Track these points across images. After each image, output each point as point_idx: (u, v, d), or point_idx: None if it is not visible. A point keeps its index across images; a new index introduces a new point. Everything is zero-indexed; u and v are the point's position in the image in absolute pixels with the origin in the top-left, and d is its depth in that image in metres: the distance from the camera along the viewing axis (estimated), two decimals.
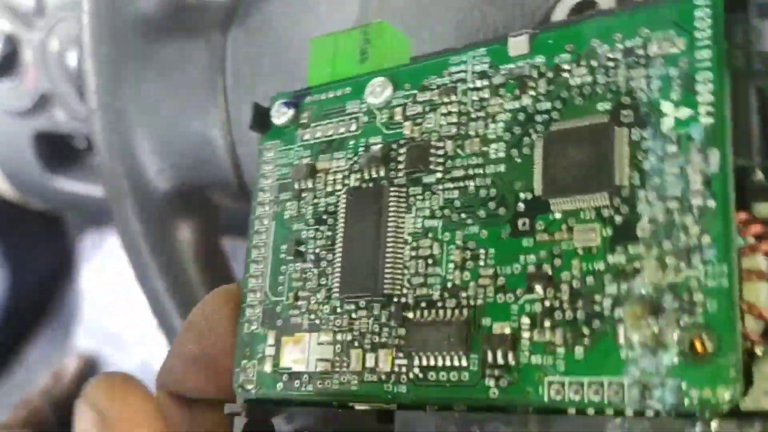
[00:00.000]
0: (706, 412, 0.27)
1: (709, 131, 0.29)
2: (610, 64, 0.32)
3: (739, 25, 0.31)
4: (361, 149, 0.38)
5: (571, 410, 0.29)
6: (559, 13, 0.44)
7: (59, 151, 0.89)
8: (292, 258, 0.39)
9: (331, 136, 0.39)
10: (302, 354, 0.37)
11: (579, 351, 0.30)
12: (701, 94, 0.30)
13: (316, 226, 0.38)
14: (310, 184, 0.39)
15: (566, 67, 0.33)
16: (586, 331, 0.30)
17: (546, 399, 0.30)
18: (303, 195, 0.39)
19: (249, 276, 0.40)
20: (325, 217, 0.38)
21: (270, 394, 0.37)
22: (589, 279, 0.30)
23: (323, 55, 0.41)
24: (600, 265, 0.30)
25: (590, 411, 0.29)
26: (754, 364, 0.28)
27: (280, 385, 0.37)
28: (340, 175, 0.38)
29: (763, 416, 0.27)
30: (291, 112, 0.41)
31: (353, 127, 0.39)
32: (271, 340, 0.38)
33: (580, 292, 0.30)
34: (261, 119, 0.42)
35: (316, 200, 0.39)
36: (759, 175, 0.30)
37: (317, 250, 0.38)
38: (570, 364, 0.30)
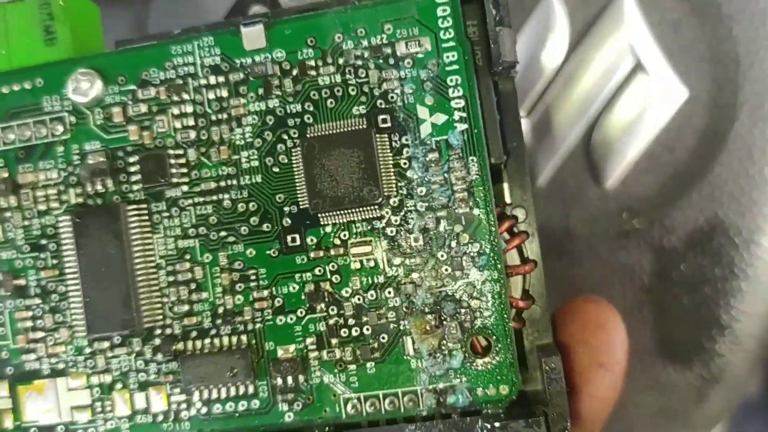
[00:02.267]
0: (492, 408, 0.30)
1: (467, 138, 0.30)
2: (359, 62, 0.31)
3: (475, 19, 0.31)
4: (75, 158, 0.32)
5: (368, 423, 0.31)
6: None
7: None
8: (9, 294, 0.33)
9: (29, 140, 0.33)
10: (50, 404, 0.32)
11: (370, 366, 0.30)
12: (454, 99, 0.30)
13: (34, 254, 0.33)
14: (13, 202, 0.33)
15: (311, 64, 0.31)
16: (375, 345, 0.30)
17: (344, 416, 0.31)
18: (6, 216, 0.33)
19: None
20: (44, 242, 0.32)
21: None
22: (371, 294, 0.30)
23: None
24: (379, 279, 0.30)
25: (382, 422, 0.31)
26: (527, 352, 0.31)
27: None
28: (53, 190, 0.32)
29: (529, 397, 0.30)
30: None
31: (59, 130, 0.32)
32: (3, 392, 0.33)
33: (364, 308, 0.30)
34: None
35: (26, 222, 0.33)
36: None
37: (43, 282, 0.32)
38: (363, 379, 0.30)
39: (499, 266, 0.30)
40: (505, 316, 0.30)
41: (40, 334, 0.32)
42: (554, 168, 0.43)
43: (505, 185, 0.33)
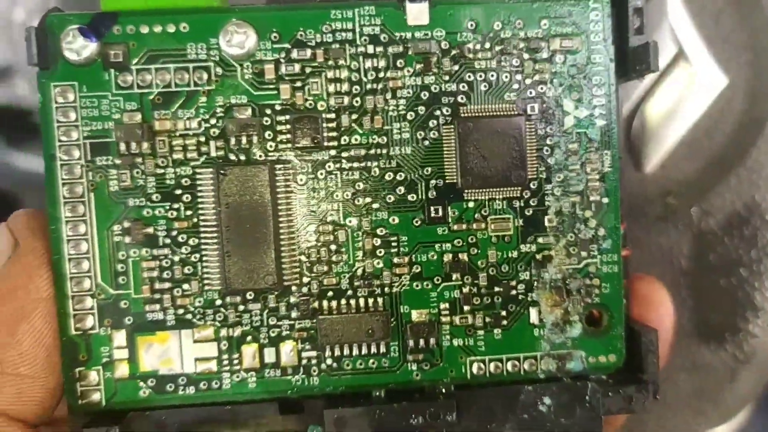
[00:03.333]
0: (601, 374, 0.34)
1: (604, 132, 0.33)
2: (515, 51, 0.33)
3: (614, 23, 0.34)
4: (219, 110, 0.32)
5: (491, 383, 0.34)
6: None
7: (19, 126, 0.67)
8: (135, 242, 0.32)
9: (168, 86, 0.32)
10: (173, 354, 0.32)
11: (497, 332, 0.33)
12: (597, 96, 0.33)
13: (165, 203, 0.32)
14: (146, 149, 0.32)
15: (471, 47, 0.33)
16: (503, 313, 0.33)
17: (469, 377, 0.33)
18: (137, 162, 0.32)
19: (62, 259, 0.32)
20: (178, 192, 0.32)
21: (130, 401, 0.32)
22: (505, 267, 0.33)
23: None
24: (514, 254, 0.33)
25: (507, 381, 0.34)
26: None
27: (144, 392, 0.32)
28: (192, 140, 0.32)
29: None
30: (93, 45, 0.31)
31: (203, 79, 0.32)
32: (119, 341, 0.32)
33: (497, 279, 0.33)
34: (45, 49, 0.31)
35: (158, 170, 0.32)
36: None
37: (174, 233, 0.32)
38: (490, 344, 0.33)
39: (619, 250, 0.33)
40: (621, 294, 0.34)
41: (167, 285, 0.32)
42: None
43: None
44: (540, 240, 0.33)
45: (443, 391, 0.33)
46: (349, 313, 0.32)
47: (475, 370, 0.33)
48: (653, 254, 0.44)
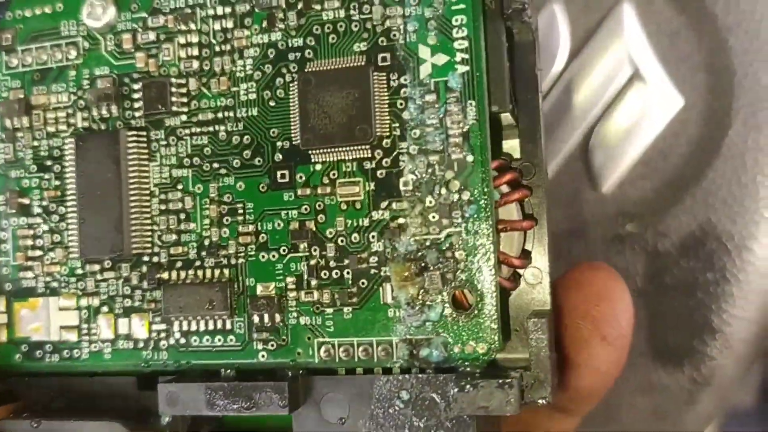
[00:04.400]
0: (468, 366, 0.28)
1: (467, 81, 0.28)
2: None
3: None
4: (85, 82, 0.33)
5: (341, 371, 0.30)
6: None
7: None
8: (14, 212, 0.33)
9: (45, 63, 0.33)
10: (41, 322, 0.33)
11: (347, 311, 0.29)
12: (457, 39, 0.29)
13: (40, 174, 0.33)
14: (26, 123, 0.33)
15: None
16: (353, 290, 0.29)
17: (317, 361, 0.29)
18: (18, 136, 0.33)
19: None
20: (49, 163, 0.33)
21: (7, 365, 0.33)
22: (354, 236, 0.29)
23: None
24: (365, 222, 0.29)
25: (359, 371, 0.29)
26: (511, 317, 0.29)
27: (18, 356, 0.33)
28: (62, 113, 0.33)
29: (514, 365, 0.28)
30: None
31: (72, 54, 0.33)
32: (0, 306, 0.33)
33: (347, 250, 0.29)
34: None
35: (35, 143, 0.33)
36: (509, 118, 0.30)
37: (45, 203, 0.33)
38: (339, 324, 0.29)
39: (489, 218, 0.28)
40: (492, 271, 0.28)
41: (38, 253, 0.33)
42: (552, 171, 0.44)
43: (515, 141, 0.31)
44: (394, 206, 0.29)
45: (290, 375, 0.30)
46: (192, 284, 0.31)
47: (323, 353, 0.29)
48: None
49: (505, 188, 0.30)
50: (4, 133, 0.34)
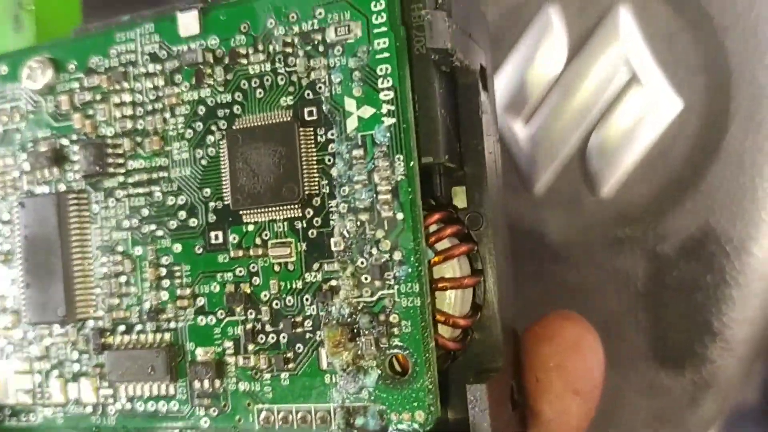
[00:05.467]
0: None
1: (393, 133, 0.27)
2: (288, 50, 0.28)
3: (421, 2, 0.28)
4: (29, 145, 0.32)
5: None
6: None
7: None
8: None
9: None
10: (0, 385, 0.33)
11: (285, 377, 0.28)
12: (383, 90, 0.27)
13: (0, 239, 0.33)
14: None
15: (243, 51, 0.29)
16: (289, 355, 0.28)
17: (257, 427, 0.29)
18: None
19: None
20: (0, 227, 0.33)
21: None
22: (289, 299, 0.28)
23: None
24: (298, 284, 0.28)
25: None
26: (453, 374, 0.28)
27: None
28: (9, 177, 0.33)
29: (464, 425, 0.27)
30: None
31: (17, 118, 0.33)
32: None
33: (281, 314, 0.28)
34: None
35: None
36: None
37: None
38: (277, 390, 0.28)
39: (421, 278, 0.26)
40: (426, 334, 0.26)
41: None
42: (551, 176, 0.43)
43: (460, 189, 0.29)
44: (326, 267, 0.28)
45: None
46: (135, 349, 0.30)
47: (262, 420, 0.29)
48: (610, 277, 0.43)
49: (447, 243, 0.28)
50: None
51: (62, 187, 0.32)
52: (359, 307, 0.27)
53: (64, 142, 0.32)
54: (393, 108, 0.27)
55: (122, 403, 0.31)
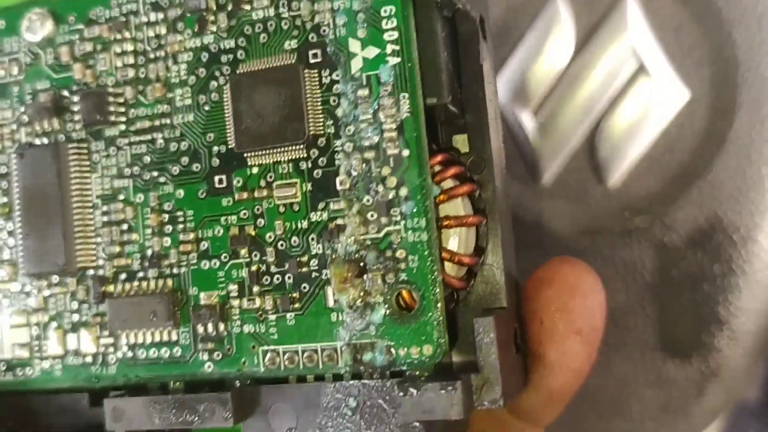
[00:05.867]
0: (415, 370, 0.27)
1: (398, 73, 0.27)
2: None
3: None
4: (28, 97, 0.32)
5: (290, 379, 0.29)
6: None
7: None
8: None
9: None
10: None
11: (290, 317, 0.28)
12: (387, 31, 0.28)
13: None
14: None
15: None
16: (295, 295, 0.28)
17: (262, 369, 0.29)
18: None
19: None
20: None
21: None
22: (294, 239, 0.28)
23: None
24: (303, 224, 0.28)
25: (309, 378, 0.28)
26: (459, 314, 0.28)
27: None
28: (7, 129, 0.33)
29: (469, 368, 0.27)
30: None
31: (15, 71, 0.33)
32: None
33: (287, 254, 0.29)
34: None
35: None
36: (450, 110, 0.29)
37: None
38: (283, 331, 0.28)
39: (427, 213, 0.27)
40: (434, 269, 0.27)
41: None
42: (559, 167, 0.44)
43: (461, 137, 0.30)
44: (332, 206, 0.28)
45: (237, 385, 0.29)
46: (137, 296, 0.30)
47: (267, 361, 0.29)
48: (617, 268, 0.43)
49: (450, 183, 0.29)
50: None
51: (61, 138, 0.32)
52: (366, 244, 0.27)
53: (65, 93, 0.32)
54: (397, 48, 0.27)
55: (123, 351, 0.30)
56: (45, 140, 0.32)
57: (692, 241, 0.42)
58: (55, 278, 0.31)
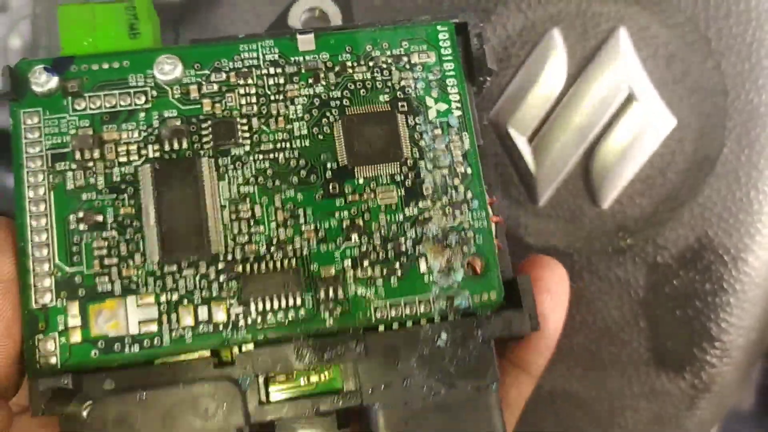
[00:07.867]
0: (486, 310, 0.40)
1: (461, 120, 0.42)
2: (384, 66, 0.43)
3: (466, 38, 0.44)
4: (155, 121, 0.41)
5: (394, 325, 0.40)
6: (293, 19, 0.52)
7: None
8: (87, 228, 0.39)
9: (114, 107, 0.40)
10: (119, 319, 0.38)
11: (393, 280, 0.40)
12: (452, 94, 0.43)
13: (112, 195, 0.39)
14: (96, 155, 0.40)
15: (349, 64, 0.42)
16: (396, 266, 0.40)
17: (373, 320, 0.39)
18: (89, 165, 0.40)
19: (26, 246, 0.38)
20: (123, 186, 0.40)
21: (83, 363, 0.38)
22: (393, 227, 0.41)
23: (79, 25, 0.42)
24: (400, 217, 0.41)
25: (408, 323, 0.40)
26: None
27: (95, 353, 0.38)
28: (134, 146, 0.40)
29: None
30: (54, 79, 0.40)
31: (141, 100, 0.41)
32: (73, 311, 0.38)
33: (388, 238, 0.40)
34: (16, 85, 0.40)
35: (107, 170, 0.40)
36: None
37: (120, 219, 0.39)
38: (388, 291, 0.40)
39: (486, 209, 0.41)
40: (492, 243, 0.41)
41: (114, 260, 0.39)
42: (554, 189, 0.48)
43: None
44: (420, 204, 0.41)
45: (353, 333, 0.39)
46: (268, 273, 0.39)
47: (378, 314, 0.39)
48: (612, 285, 0.47)
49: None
50: (76, 164, 0.39)
51: (189, 154, 0.40)
52: (447, 229, 0.41)
53: (193, 120, 0.41)
54: (459, 105, 0.42)
55: (253, 317, 0.39)
56: (174, 156, 0.40)
57: (684, 260, 0.43)
58: (185, 263, 0.39)
